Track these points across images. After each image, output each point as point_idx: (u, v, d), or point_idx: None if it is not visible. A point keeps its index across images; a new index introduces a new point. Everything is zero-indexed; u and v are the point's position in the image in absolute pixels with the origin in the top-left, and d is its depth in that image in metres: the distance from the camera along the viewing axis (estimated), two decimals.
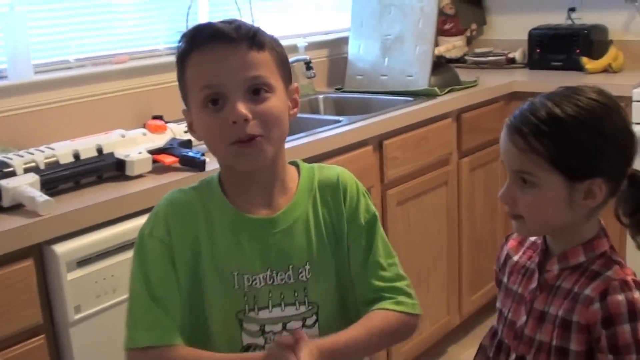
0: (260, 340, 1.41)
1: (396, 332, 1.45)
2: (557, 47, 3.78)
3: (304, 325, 1.42)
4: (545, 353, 1.39)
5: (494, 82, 3.47)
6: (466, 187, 3.25)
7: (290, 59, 3.18)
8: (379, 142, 2.75)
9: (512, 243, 1.55)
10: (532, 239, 1.51)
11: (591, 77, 3.54)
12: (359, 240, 1.46)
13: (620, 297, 1.32)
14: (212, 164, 2.06)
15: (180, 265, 1.40)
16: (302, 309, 1.42)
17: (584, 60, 3.61)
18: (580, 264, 1.39)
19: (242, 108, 1.31)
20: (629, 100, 3.15)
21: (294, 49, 3.36)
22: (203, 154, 2.09)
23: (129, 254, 1.83)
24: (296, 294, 1.42)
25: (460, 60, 4.09)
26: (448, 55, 4.06)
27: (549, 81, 3.53)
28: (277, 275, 1.40)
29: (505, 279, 1.53)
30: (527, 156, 1.35)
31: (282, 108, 1.38)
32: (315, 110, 3.35)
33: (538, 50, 3.84)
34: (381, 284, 1.45)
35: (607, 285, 1.33)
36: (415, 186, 2.95)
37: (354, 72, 3.42)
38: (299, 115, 3.11)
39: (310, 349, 1.28)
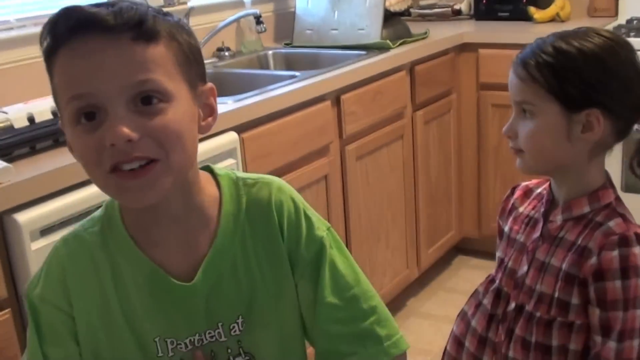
0: None
1: None
2: None
3: None
4: (547, 305, 1.38)
5: (442, 34, 3.43)
6: (421, 140, 3.22)
7: (239, 14, 3.14)
8: (336, 97, 2.69)
9: (518, 194, 1.54)
10: (538, 190, 1.50)
11: (539, 26, 3.54)
12: (305, 277, 1.17)
13: (614, 253, 1.30)
14: None
15: (84, 337, 1.13)
16: None
17: (532, 10, 3.60)
18: (584, 215, 1.38)
19: (124, 126, 0.97)
20: None
21: (240, 3, 3.26)
22: None
23: None
24: (229, 350, 1.16)
25: (404, 13, 4.03)
26: (393, 9, 4.00)
27: (498, 31, 3.52)
28: (205, 334, 1.15)
29: (507, 229, 1.51)
30: (528, 85, 1.35)
31: (185, 121, 1.03)
32: (265, 66, 3.27)
33: (484, 1, 3.81)
34: (338, 328, 1.17)
35: (606, 239, 1.32)
36: (372, 141, 2.90)
37: (303, 26, 3.34)
38: (251, 71, 3.07)
39: None
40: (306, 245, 1.16)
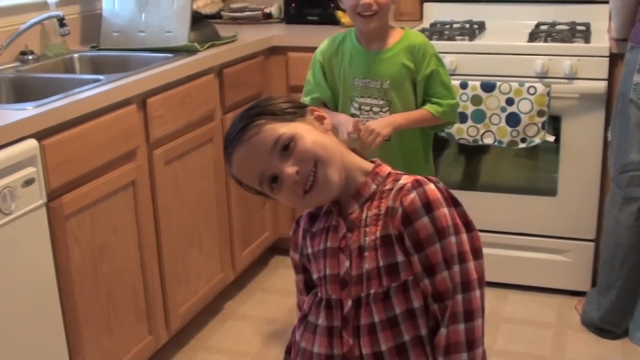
0: (357, 112, 2.62)
1: (432, 122, 2.61)
2: (312, 1, 3.84)
3: (380, 111, 2.58)
4: (376, 279, 1.40)
5: (252, 37, 3.46)
6: None
7: (41, 16, 3.05)
8: (142, 101, 2.66)
9: (304, 221, 1.57)
10: (322, 211, 1.53)
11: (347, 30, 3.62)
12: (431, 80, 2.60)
13: (413, 195, 1.37)
14: None
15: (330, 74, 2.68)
16: (382, 102, 2.58)
17: (339, 14, 3.69)
18: (375, 192, 1.44)
19: None
20: None
21: (44, 5, 3.16)
22: None
23: None
24: (379, 93, 2.58)
25: (216, 16, 4.05)
26: (203, 12, 4.00)
27: (306, 35, 3.60)
28: (370, 82, 2.58)
29: (310, 250, 1.53)
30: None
31: None
32: (71, 70, 3.18)
33: (293, 5, 3.88)
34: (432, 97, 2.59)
35: (401, 190, 1.39)
36: (181, 144, 2.89)
37: (110, 28, 3.28)
38: (52, 75, 2.98)
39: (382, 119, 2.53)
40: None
